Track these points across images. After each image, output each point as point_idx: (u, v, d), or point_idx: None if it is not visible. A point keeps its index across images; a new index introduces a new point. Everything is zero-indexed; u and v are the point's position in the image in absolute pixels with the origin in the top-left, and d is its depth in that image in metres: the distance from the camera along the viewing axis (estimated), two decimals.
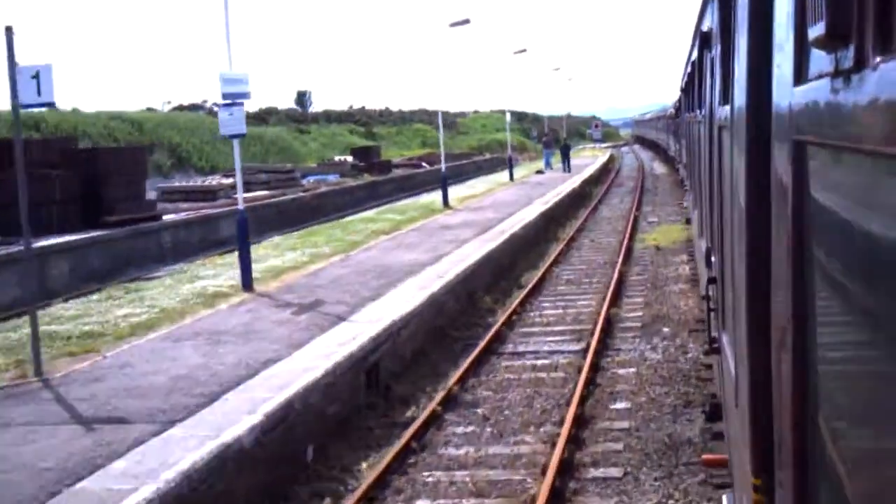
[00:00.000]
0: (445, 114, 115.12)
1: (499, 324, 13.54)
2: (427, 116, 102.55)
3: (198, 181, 37.52)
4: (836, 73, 1.39)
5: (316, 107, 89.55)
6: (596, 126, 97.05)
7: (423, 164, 58.51)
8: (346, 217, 29.33)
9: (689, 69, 12.62)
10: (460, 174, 56.34)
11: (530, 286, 16.48)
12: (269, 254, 18.61)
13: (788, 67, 1.85)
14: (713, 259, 5.55)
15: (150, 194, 31.79)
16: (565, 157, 46.98)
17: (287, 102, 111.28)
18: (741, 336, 3.25)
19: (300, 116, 78.20)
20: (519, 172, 49.50)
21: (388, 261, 16.80)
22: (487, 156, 76.29)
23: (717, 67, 4.87)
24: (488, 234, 20.36)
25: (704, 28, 6.62)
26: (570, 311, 14.66)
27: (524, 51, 59.33)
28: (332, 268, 16.41)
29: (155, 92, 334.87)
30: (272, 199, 32.36)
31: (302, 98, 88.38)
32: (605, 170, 55.20)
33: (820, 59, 1.54)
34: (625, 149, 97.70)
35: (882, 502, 1.27)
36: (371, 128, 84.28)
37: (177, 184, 36.58)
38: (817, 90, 1.55)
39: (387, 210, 29.31)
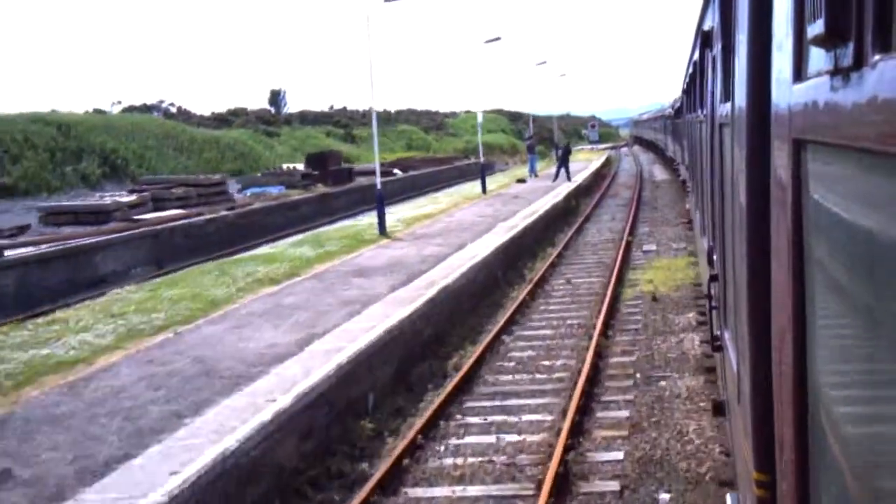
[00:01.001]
0: (434, 114, 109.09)
1: None
2: (414, 116, 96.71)
3: (97, 197, 31.15)
4: (835, 72, 1.39)
5: (292, 107, 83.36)
6: (592, 126, 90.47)
7: (396, 170, 52.15)
8: (259, 246, 22.98)
9: (690, 69, 12.61)
10: (436, 182, 50.24)
11: (440, 400, 10.18)
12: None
13: (787, 65, 1.86)
14: (715, 257, 5.59)
15: (28, 217, 25.57)
16: (564, 164, 40.42)
17: (260, 102, 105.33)
18: (743, 333, 3.30)
19: (271, 118, 71.85)
20: (499, 181, 43.32)
21: (225, 350, 10.57)
22: (473, 160, 69.79)
23: (718, 65, 4.93)
24: (412, 287, 14.13)
25: (706, 27, 6.67)
26: (499, 459, 8.39)
27: (497, 38, 53.09)
28: (101, 379, 9.93)
29: (107, 92, 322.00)
30: (182, 221, 25.96)
31: (276, 98, 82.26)
32: (599, 176, 48.81)
33: (819, 58, 1.54)
34: (624, 150, 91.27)
35: (883, 497, 1.29)
36: (351, 129, 77.93)
37: (65, 202, 30.23)
38: (816, 88, 1.56)
39: (307, 240, 22.88)
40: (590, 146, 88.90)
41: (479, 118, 40.70)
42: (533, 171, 45.13)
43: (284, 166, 45.98)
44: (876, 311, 1.29)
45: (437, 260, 17.13)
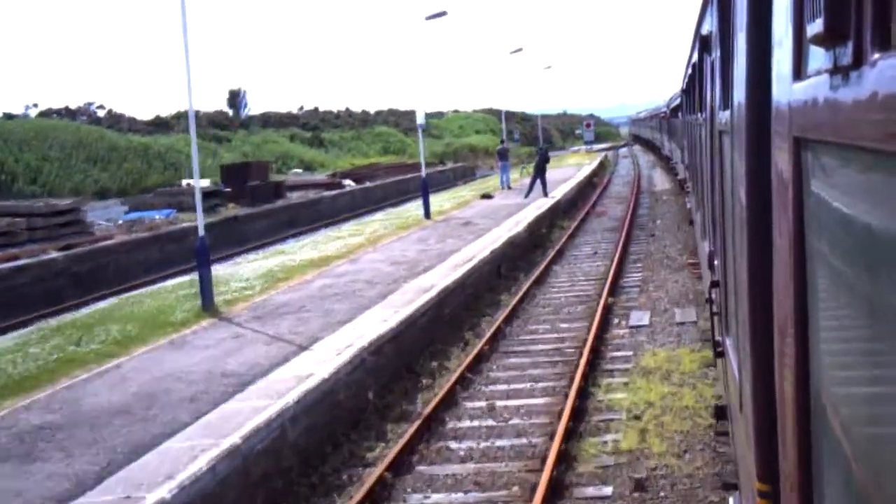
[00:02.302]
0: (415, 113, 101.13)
1: None
2: (394, 118, 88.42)
3: None
4: (835, 70, 1.40)
5: (255, 108, 75.42)
6: (587, 125, 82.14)
7: (347, 181, 43.93)
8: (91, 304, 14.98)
9: (689, 71, 12.89)
10: (392, 196, 42.12)
11: None
12: None
13: (787, 64, 1.86)
14: (716, 262, 5.58)
15: None
16: (539, 175, 32.17)
17: (217, 104, 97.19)
18: (744, 340, 3.30)
19: (225, 121, 63.77)
20: (460, 196, 35.25)
21: None
22: (449, 165, 61.69)
23: (716, 72, 4.95)
24: None
25: (704, 32, 6.74)
26: None
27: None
28: None
29: (25, 94, 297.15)
30: None
31: (235, 98, 74.06)
32: (588, 186, 40.52)
33: (819, 56, 1.55)
34: (623, 150, 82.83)
35: None
36: (320, 132, 69.84)
37: None
38: (816, 87, 1.56)
39: (80, 322, 14.57)
40: (585, 147, 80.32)
41: (420, 118, 30.79)
42: (505, 183, 36.90)
43: (185, 182, 37.57)
44: (879, 311, 1.29)
45: (240, 384, 9.02)
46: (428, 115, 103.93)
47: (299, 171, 59.68)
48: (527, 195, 31.58)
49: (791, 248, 1.89)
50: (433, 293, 14.00)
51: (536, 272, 19.03)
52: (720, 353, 5.04)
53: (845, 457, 1.54)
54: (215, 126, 62.88)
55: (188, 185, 35.14)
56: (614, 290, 16.90)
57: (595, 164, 54.74)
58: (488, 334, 13.51)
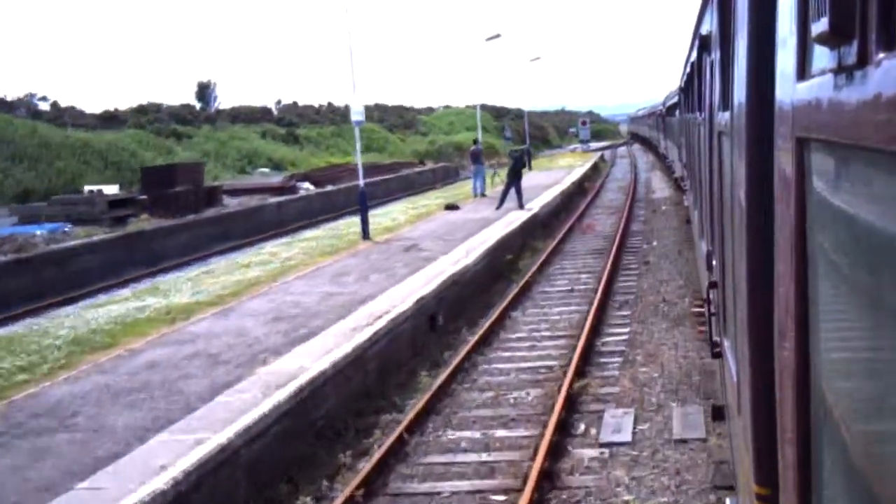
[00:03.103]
0: (407, 110, 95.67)
1: None
2: (378, 113, 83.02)
3: None
4: (839, 70, 1.40)
5: (226, 102, 70.26)
6: (583, 123, 76.73)
7: (305, 185, 38.68)
8: None
9: (688, 69, 12.82)
10: (357, 201, 36.57)
11: None
12: None
13: (791, 64, 1.86)
14: (714, 263, 5.56)
15: None
16: (513, 183, 27.03)
17: (185, 96, 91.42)
18: (742, 341, 3.29)
19: (189, 115, 58.58)
20: (422, 205, 30.02)
21: None
22: (429, 165, 56.62)
23: (716, 72, 4.95)
24: None
25: (703, 31, 6.70)
26: None
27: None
28: None
29: None
30: None
31: (204, 91, 68.78)
32: (578, 192, 35.71)
33: (823, 56, 1.54)
34: (622, 149, 77.75)
35: None
36: (295, 129, 64.69)
37: None
38: (820, 87, 1.56)
39: None
40: (582, 147, 75.13)
41: (357, 116, 24.83)
42: (477, 190, 31.81)
43: (88, 189, 31.91)
44: (882, 313, 1.29)
45: None
46: (416, 111, 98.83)
47: (266, 170, 54.58)
48: (499, 206, 26.51)
49: (793, 249, 1.90)
50: (285, 393, 8.79)
51: (487, 322, 13.99)
52: (717, 354, 5.01)
53: (847, 460, 1.54)
54: (178, 121, 57.72)
55: (92, 192, 29.69)
56: (587, 357, 11.87)
57: (588, 165, 49.65)
58: (359, 476, 8.23)
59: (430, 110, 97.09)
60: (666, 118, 34.13)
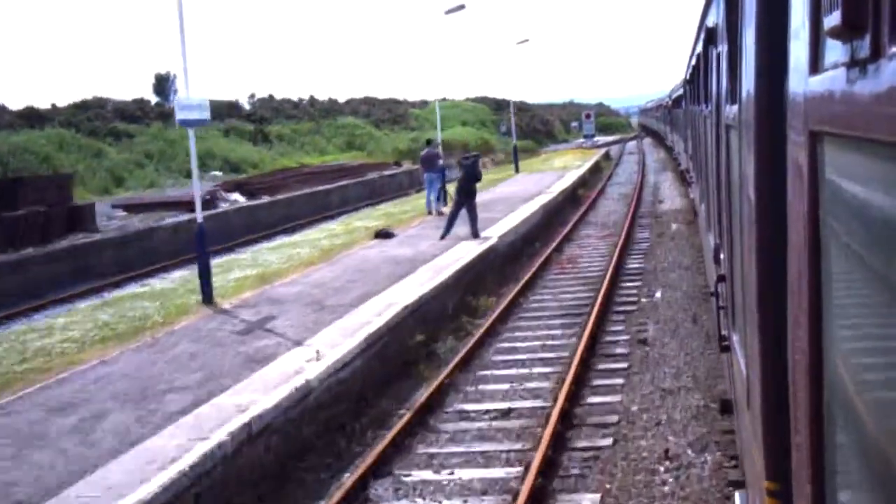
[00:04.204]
0: (398, 103, 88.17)
1: None
2: (366, 106, 75.88)
3: None
4: (852, 63, 1.40)
5: (192, 96, 62.90)
6: (587, 116, 69.05)
7: (232, 196, 31.37)
8: None
9: (693, 61, 12.62)
10: (305, 213, 29.68)
11: None
12: None
13: (804, 58, 1.84)
14: (722, 256, 5.47)
15: None
16: (464, 202, 19.61)
17: (142, 90, 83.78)
18: (752, 334, 3.25)
19: (139, 112, 51.43)
20: (354, 227, 22.93)
21: None
22: (405, 167, 49.56)
23: (723, 65, 4.88)
24: None
25: (709, 24, 6.65)
26: None
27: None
28: None
29: None
30: None
31: (162, 84, 61.58)
32: (568, 203, 28.86)
33: (835, 49, 1.54)
34: (631, 144, 70.45)
35: None
36: (266, 125, 57.51)
37: None
38: (833, 80, 1.55)
39: None
40: (590, 142, 67.52)
41: (188, 113, 16.41)
42: (433, 206, 24.51)
43: None
44: None
45: None
46: (410, 104, 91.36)
47: (219, 173, 47.41)
48: (444, 235, 19.25)
49: (806, 242, 1.88)
50: None
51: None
52: (726, 348, 5.01)
53: (862, 455, 1.54)
54: (124, 118, 50.62)
55: None
56: None
57: (588, 166, 42.22)
58: None
59: (424, 104, 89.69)
60: (672, 110, 33.32)
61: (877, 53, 1.24)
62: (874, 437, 1.43)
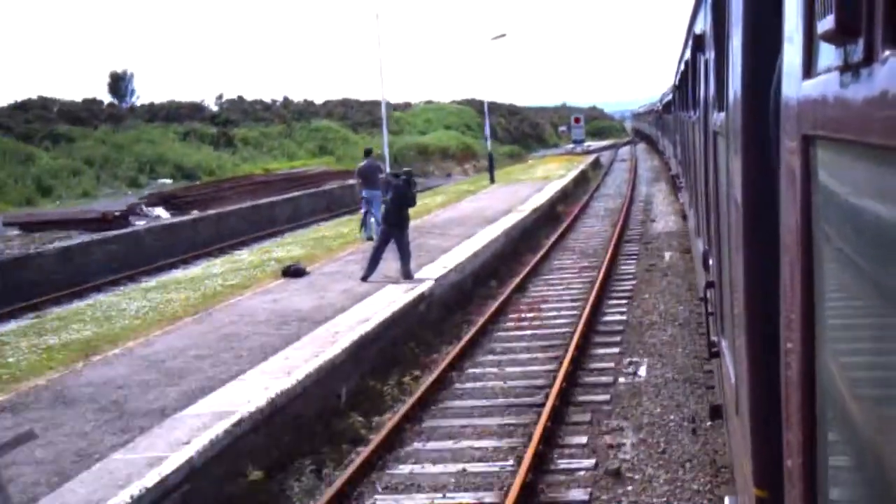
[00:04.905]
0: (381, 105, 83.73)
1: None
2: (343, 109, 71.55)
3: None
4: (845, 67, 1.39)
5: (150, 97, 58.93)
6: (576, 120, 64.68)
7: (155, 211, 26.96)
8: None
9: (681, 68, 12.62)
10: (240, 232, 25.36)
11: None
12: None
13: (796, 62, 1.83)
14: (711, 262, 5.42)
15: None
16: (393, 231, 14.99)
17: (95, 90, 78.75)
18: (741, 340, 3.22)
19: (86, 113, 47.01)
20: (273, 258, 18.37)
21: None
22: (350, 181, 45.01)
23: (710, 72, 4.85)
24: None
25: (697, 31, 6.62)
26: None
27: None
28: None
29: None
30: None
31: (118, 84, 57.09)
32: (545, 222, 24.79)
33: (829, 53, 1.53)
34: (624, 150, 66.42)
35: None
36: (231, 128, 53.16)
37: None
38: (826, 84, 1.54)
39: None
40: (580, 147, 63.28)
41: None
42: (368, 229, 20.00)
43: None
44: (890, 310, 1.27)
45: None
46: (393, 106, 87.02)
47: (167, 181, 43.02)
48: (365, 276, 14.81)
49: (799, 247, 1.86)
50: None
51: None
52: (715, 354, 4.93)
53: (855, 463, 1.51)
54: (69, 120, 46.16)
55: None
56: None
57: (572, 175, 37.87)
58: None
59: (408, 106, 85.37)
60: (663, 116, 33.22)
61: (870, 57, 1.24)
62: (867, 445, 1.42)
